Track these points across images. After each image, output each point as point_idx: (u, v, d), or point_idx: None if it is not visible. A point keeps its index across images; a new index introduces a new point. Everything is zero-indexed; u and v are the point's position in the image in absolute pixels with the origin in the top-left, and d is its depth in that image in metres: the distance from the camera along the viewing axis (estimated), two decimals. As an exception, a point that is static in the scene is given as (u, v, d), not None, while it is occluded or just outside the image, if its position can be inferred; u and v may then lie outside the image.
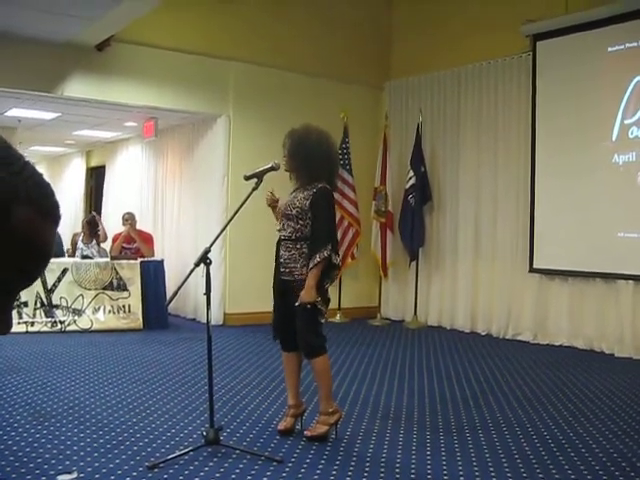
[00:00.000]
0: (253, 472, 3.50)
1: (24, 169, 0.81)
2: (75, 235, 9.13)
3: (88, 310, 7.87)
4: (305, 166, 4.11)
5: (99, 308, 7.91)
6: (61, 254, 8.86)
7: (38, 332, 7.56)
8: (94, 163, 13.26)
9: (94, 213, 9.74)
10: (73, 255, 8.74)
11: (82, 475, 3.40)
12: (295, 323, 4.07)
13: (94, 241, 8.84)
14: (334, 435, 4.12)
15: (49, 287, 7.73)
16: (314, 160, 4.10)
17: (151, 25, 7.78)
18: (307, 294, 3.95)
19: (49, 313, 7.72)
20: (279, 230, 4.19)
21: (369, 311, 9.43)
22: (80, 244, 8.82)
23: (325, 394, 4.12)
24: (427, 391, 5.39)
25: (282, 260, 4.13)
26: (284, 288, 4.13)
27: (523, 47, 8.06)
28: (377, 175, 9.14)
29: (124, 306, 8.00)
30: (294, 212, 4.08)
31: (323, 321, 4.10)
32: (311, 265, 3.97)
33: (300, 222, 4.08)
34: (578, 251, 7.49)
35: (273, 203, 4.21)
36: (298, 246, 4.07)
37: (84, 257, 8.35)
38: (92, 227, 8.94)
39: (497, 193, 8.35)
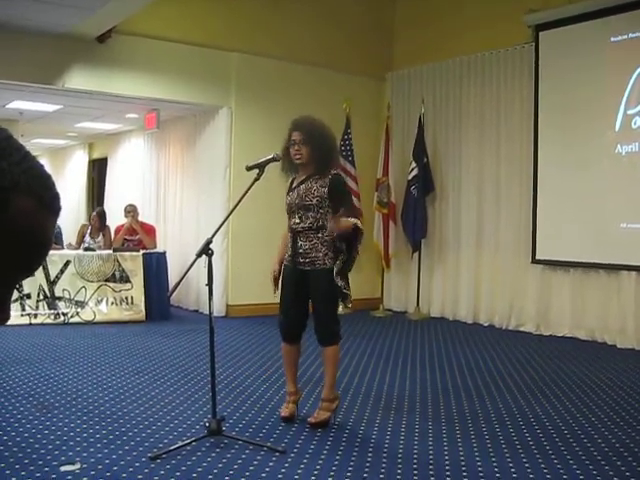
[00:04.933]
0: (255, 462, 3.51)
1: (24, 160, 0.81)
2: (84, 226, 9.13)
3: (91, 302, 7.88)
4: (321, 155, 4.14)
5: (102, 300, 7.92)
6: (60, 244, 8.86)
7: (41, 324, 7.57)
8: (96, 155, 13.26)
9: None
10: (79, 245, 8.73)
11: (85, 466, 3.41)
12: (304, 314, 4.16)
13: (100, 236, 8.84)
14: (333, 421, 4.19)
15: (52, 279, 7.74)
16: (329, 150, 4.21)
17: (152, 16, 7.76)
18: (346, 224, 4.04)
19: (52, 305, 7.74)
20: (296, 223, 4.17)
21: (371, 302, 9.43)
22: (87, 237, 8.82)
23: (332, 381, 4.20)
24: (429, 381, 5.40)
25: (302, 250, 4.13)
26: (301, 279, 4.14)
27: (526, 37, 8.03)
28: (379, 166, 9.13)
29: (127, 298, 8.02)
30: (314, 202, 4.10)
31: (350, 305, 4.23)
32: (352, 221, 4.07)
33: (320, 211, 4.11)
34: (581, 242, 7.48)
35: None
36: (320, 235, 4.10)
37: (86, 249, 8.35)
38: (100, 221, 8.92)
39: (499, 184, 8.34)
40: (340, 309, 8.28)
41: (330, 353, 4.17)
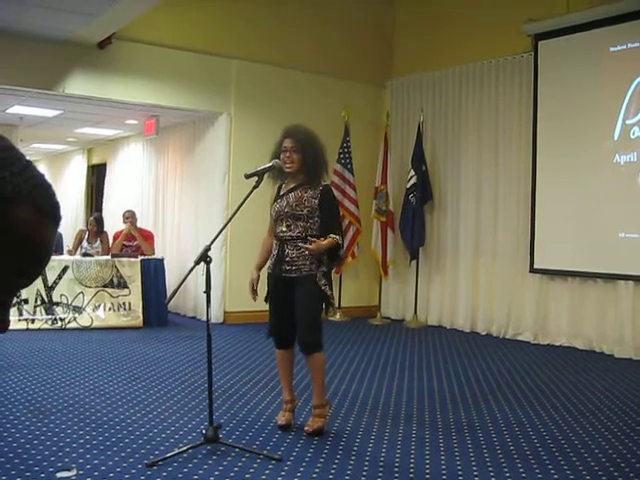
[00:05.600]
0: (252, 470, 3.51)
1: (26, 170, 0.82)
2: (82, 231, 9.13)
3: (88, 308, 7.87)
4: (312, 164, 4.16)
5: (99, 306, 7.92)
6: (60, 252, 8.85)
7: (38, 329, 7.56)
8: (95, 161, 13.27)
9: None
10: (76, 250, 8.73)
11: (81, 472, 3.40)
12: (293, 320, 4.14)
13: (98, 241, 8.84)
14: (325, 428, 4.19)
15: (50, 284, 7.73)
16: (320, 159, 4.21)
17: (152, 23, 7.78)
18: (318, 247, 4.06)
19: (49, 310, 7.73)
20: (283, 232, 4.18)
21: (369, 310, 9.43)
22: (84, 242, 8.82)
23: (321, 389, 4.20)
24: (426, 390, 5.40)
25: (288, 259, 4.14)
26: (288, 285, 4.14)
27: (525, 47, 8.06)
28: (378, 174, 9.14)
29: (124, 304, 8.01)
30: (305, 212, 4.12)
31: (332, 313, 4.28)
32: (331, 238, 4.10)
33: (310, 221, 4.13)
34: (579, 251, 7.48)
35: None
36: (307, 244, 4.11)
37: (85, 255, 8.35)
38: (98, 226, 8.93)
39: (498, 192, 8.35)
40: (337, 316, 8.35)
41: (315, 362, 4.16)
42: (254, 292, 4.25)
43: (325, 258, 4.15)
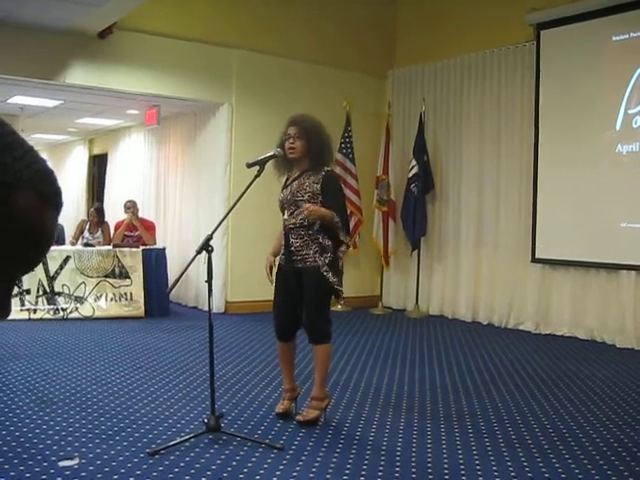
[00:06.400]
0: (254, 459, 3.51)
1: (27, 155, 0.81)
2: (83, 222, 9.13)
3: (90, 298, 7.88)
4: (316, 151, 4.14)
5: (101, 296, 7.93)
6: (62, 242, 8.86)
7: (40, 319, 7.58)
8: (96, 151, 13.25)
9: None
10: (77, 240, 8.73)
11: (84, 461, 3.41)
12: (295, 312, 4.15)
13: (99, 231, 8.84)
14: (322, 419, 4.18)
15: (51, 274, 7.74)
16: (324, 146, 4.19)
17: (153, 13, 7.76)
18: (316, 211, 4.00)
19: (51, 300, 7.74)
20: (287, 219, 4.18)
21: (371, 300, 9.43)
22: (86, 232, 8.82)
23: (321, 380, 4.19)
24: (428, 380, 5.41)
25: (293, 248, 4.13)
26: (294, 277, 4.14)
27: (527, 36, 8.03)
28: (379, 164, 9.13)
29: (126, 294, 8.02)
30: (306, 197, 4.09)
31: (342, 302, 4.22)
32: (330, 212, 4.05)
33: None
34: (581, 241, 7.48)
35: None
36: (310, 232, 4.10)
37: (86, 245, 8.35)
38: (99, 217, 8.93)
39: (500, 182, 8.34)
40: (339, 306, 8.38)
41: (320, 352, 4.15)
42: (270, 274, 4.23)
43: (330, 246, 4.12)
